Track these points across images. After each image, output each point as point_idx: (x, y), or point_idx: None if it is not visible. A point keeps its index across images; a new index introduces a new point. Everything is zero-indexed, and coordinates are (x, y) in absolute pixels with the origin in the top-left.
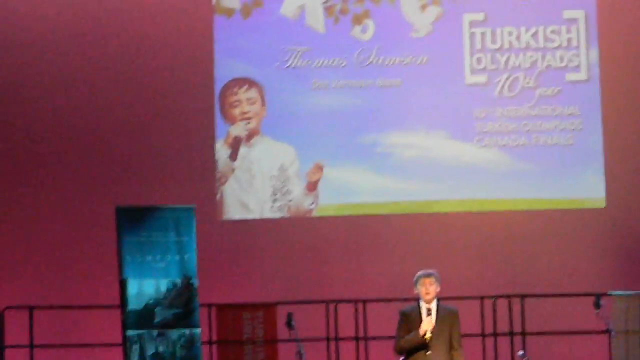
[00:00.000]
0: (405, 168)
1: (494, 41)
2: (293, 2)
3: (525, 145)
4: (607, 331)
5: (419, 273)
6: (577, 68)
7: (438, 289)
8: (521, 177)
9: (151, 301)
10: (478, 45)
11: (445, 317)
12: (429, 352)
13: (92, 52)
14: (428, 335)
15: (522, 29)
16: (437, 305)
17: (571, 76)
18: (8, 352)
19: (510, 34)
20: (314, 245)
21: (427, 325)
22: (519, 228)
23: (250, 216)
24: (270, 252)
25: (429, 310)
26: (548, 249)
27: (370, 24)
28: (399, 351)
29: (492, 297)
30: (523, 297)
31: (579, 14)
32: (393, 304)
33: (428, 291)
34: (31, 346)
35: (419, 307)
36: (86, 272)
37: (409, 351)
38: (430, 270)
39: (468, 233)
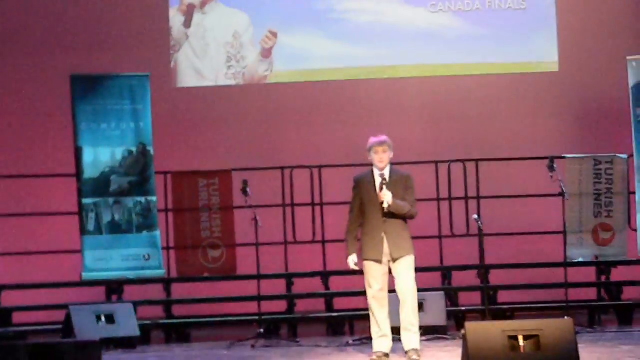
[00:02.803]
0: (359, 34)
1: None
2: None
3: (479, 9)
4: (561, 194)
5: (372, 141)
6: None
7: (391, 156)
8: (475, 41)
9: (107, 169)
10: None
11: (398, 181)
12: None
13: None
14: (385, 205)
15: None
16: (390, 171)
17: None
18: None
19: None
20: (268, 111)
21: (384, 197)
22: (472, 93)
23: (204, 83)
24: (225, 119)
25: (382, 177)
26: (502, 113)
27: None
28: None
29: (446, 161)
30: (477, 161)
31: None
32: (348, 169)
33: (381, 159)
34: None
35: (372, 173)
36: (41, 141)
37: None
38: (382, 138)
39: (422, 98)
